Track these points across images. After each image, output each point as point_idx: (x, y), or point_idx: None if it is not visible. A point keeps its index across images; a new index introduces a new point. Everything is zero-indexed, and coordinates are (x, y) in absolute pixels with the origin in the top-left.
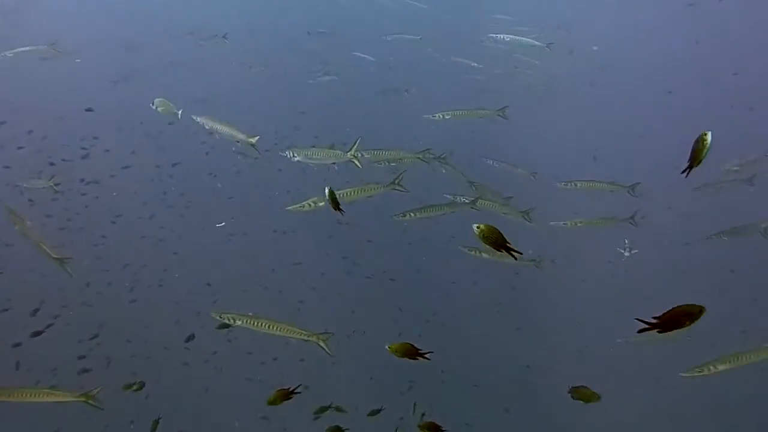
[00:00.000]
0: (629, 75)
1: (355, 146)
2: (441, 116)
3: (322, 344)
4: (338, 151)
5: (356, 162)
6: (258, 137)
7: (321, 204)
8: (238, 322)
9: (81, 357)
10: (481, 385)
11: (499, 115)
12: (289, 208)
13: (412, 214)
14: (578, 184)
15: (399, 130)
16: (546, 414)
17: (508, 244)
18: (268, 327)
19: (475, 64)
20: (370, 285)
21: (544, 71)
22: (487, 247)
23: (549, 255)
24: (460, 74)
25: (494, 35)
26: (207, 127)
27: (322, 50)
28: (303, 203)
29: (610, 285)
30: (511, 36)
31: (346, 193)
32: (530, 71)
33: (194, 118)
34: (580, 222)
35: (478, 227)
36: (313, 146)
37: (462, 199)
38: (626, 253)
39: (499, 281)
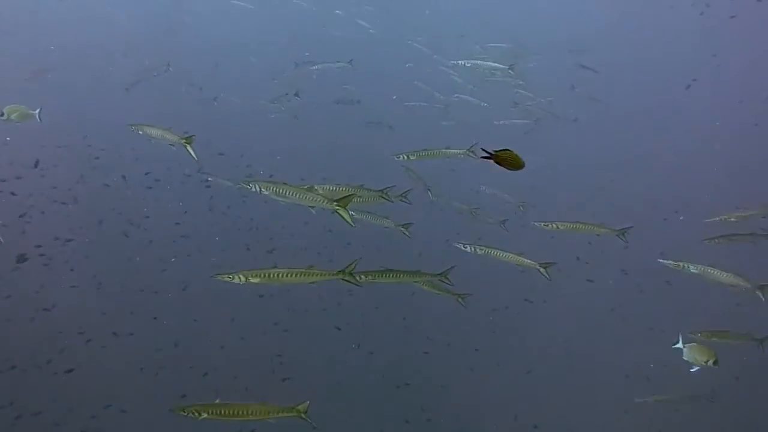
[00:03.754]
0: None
1: (347, 198)
2: (405, 157)
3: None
4: (319, 196)
5: (345, 217)
6: (194, 135)
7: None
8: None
9: None
10: None
11: (468, 155)
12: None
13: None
14: (560, 226)
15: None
16: None
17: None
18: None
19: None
20: None
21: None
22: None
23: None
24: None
25: (455, 61)
26: (140, 133)
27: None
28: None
29: None
30: (473, 61)
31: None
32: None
33: (129, 126)
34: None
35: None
36: (285, 183)
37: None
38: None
39: None
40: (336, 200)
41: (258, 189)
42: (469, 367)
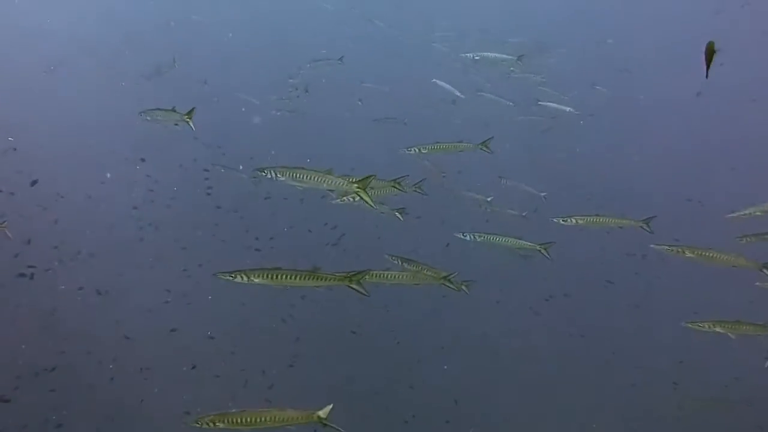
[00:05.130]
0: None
1: (367, 180)
2: (417, 150)
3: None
4: (338, 178)
5: (366, 198)
6: (194, 108)
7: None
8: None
9: None
10: None
11: (482, 149)
12: None
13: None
14: (579, 220)
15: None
16: None
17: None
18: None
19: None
20: None
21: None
22: None
23: None
24: None
25: (464, 54)
26: (149, 119)
27: None
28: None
29: None
30: (481, 54)
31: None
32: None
33: (139, 113)
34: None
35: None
36: (302, 167)
37: None
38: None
39: None
40: (356, 181)
41: (274, 175)
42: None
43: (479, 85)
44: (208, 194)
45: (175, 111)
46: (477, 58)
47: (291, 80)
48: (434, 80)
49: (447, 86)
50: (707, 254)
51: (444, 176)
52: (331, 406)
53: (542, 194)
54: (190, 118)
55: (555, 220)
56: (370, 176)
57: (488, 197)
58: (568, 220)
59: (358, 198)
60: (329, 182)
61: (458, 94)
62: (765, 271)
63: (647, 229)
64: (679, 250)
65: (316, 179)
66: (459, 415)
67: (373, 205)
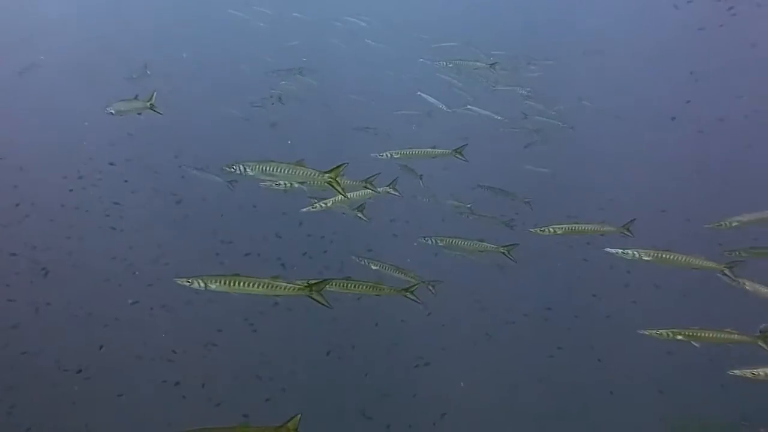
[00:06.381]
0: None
1: (339, 170)
2: (389, 155)
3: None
4: (310, 170)
5: (338, 188)
6: (155, 91)
7: None
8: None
9: None
10: None
11: (456, 156)
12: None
13: None
14: (557, 230)
15: None
16: None
17: None
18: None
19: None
20: None
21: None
22: None
23: None
24: None
25: (438, 62)
26: (113, 112)
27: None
28: None
29: None
30: (453, 60)
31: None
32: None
33: (105, 111)
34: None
35: None
36: (272, 160)
37: None
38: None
39: None
40: (327, 172)
41: (242, 170)
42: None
43: (464, 99)
44: (178, 202)
45: (137, 99)
46: (450, 65)
47: (272, 90)
48: (419, 93)
49: (431, 99)
50: (665, 256)
51: (421, 177)
52: (299, 416)
53: (525, 201)
54: (152, 105)
55: (532, 231)
56: (341, 165)
57: (468, 204)
58: (546, 230)
59: (328, 204)
60: (300, 174)
61: (443, 107)
62: (726, 272)
63: (628, 233)
64: (636, 253)
65: (286, 171)
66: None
67: (346, 195)
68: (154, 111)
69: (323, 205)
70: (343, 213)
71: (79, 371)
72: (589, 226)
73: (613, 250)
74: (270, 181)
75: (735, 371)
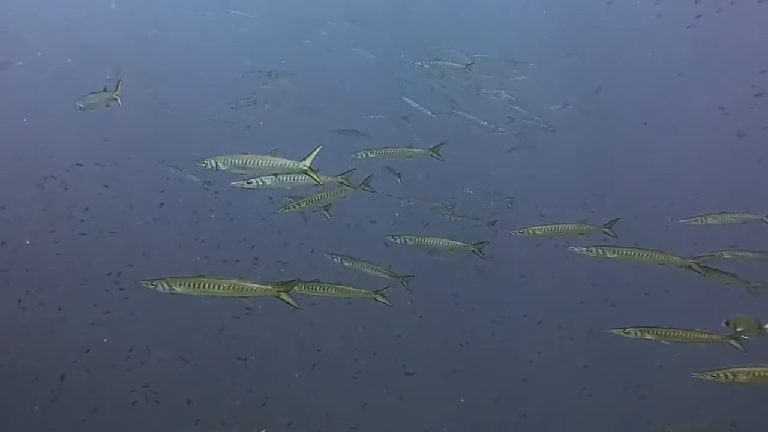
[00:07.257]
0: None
1: (313, 155)
2: (364, 154)
3: None
4: (284, 160)
5: (314, 176)
6: (120, 80)
7: None
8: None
9: None
10: None
11: (432, 155)
12: None
13: None
14: (536, 231)
15: None
16: None
17: None
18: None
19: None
20: None
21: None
22: None
23: None
24: None
25: (417, 63)
26: (82, 107)
27: None
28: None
29: None
30: (430, 61)
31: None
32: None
33: (75, 106)
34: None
35: None
36: (245, 153)
37: None
38: None
39: None
40: (302, 159)
41: (215, 165)
42: None
43: (449, 103)
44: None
45: (105, 91)
46: (426, 66)
47: (254, 94)
48: (402, 97)
49: (415, 104)
50: (631, 253)
51: (399, 175)
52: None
53: (507, 200)
54: (118, 95)
55: (512, 233)
56: (316, 148)
57: (449, 205)
58: (525, 231)
59: (303, 204)
60: (275, 165)
61: (427, 112)
62: (695, 267)
63: (611, 233)
64: (600, 251)
65: (260, 163)
66: None
67: (321, 182)
68: (118, 102)
69: (297, 205)
70: (314, 211)
71: (62, 377)
72: (570, 226)
73: (577, 249)
74: (241, 181)
75: (697, 374)
